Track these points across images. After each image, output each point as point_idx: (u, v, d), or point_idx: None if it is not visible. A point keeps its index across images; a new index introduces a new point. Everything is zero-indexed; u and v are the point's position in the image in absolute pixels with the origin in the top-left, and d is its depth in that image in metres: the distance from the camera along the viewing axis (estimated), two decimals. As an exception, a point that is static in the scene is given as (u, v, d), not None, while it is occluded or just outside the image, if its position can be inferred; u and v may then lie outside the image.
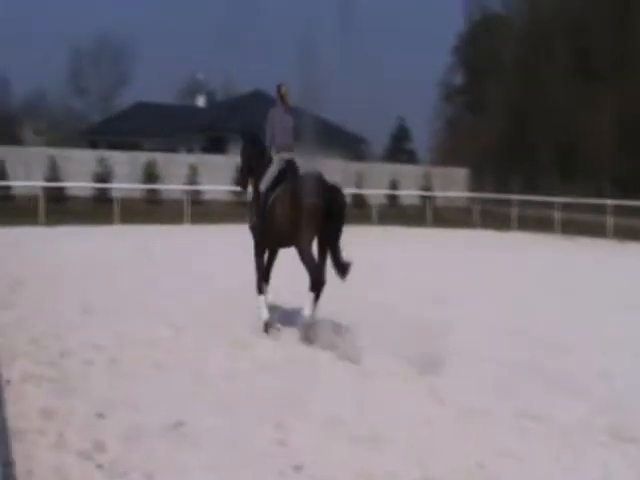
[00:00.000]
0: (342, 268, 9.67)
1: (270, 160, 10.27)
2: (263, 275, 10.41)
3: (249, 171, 10.69)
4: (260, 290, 10.34)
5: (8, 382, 7.30)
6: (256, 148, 10.56)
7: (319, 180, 9.68)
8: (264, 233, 10.13)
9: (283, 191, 9.81)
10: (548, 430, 6.71)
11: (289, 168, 10.15)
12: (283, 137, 10.24)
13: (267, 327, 10.08)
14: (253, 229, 10.37)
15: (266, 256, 10.52)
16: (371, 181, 42.73)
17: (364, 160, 53.99)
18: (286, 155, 10.23)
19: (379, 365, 8.50)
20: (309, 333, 9.47)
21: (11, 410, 6.34)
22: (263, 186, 10.14)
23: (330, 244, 9.69)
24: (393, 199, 42.71)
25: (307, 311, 9.53)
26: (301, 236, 9.48)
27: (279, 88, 10.43)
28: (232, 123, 49.10)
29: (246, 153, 10.74)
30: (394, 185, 43.66)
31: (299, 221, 9.42)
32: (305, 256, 9.52)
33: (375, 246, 24.03)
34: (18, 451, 5.46)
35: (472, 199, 41.42)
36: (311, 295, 9.54)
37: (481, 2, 69.13)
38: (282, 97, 10.42)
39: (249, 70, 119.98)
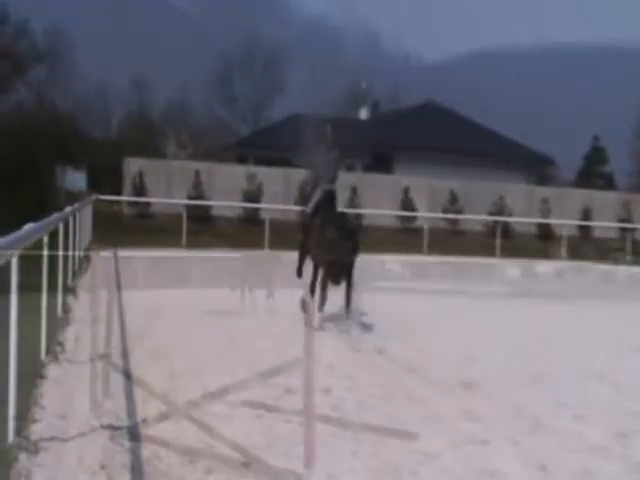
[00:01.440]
0: (348, 301, 13.05)
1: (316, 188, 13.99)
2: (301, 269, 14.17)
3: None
4: (298, 274, 14.14)
5: (144, 421, 7.50)
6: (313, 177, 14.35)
7: (341, 219, 13.56)
8: (304, 249, 13.96)
9: (318, 225, 13.34)
10: None
11: (327, 198, 13.72)
12: (328, 171, 13.84)
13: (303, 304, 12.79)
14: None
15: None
16: (560, 209, 42.03)
17: (552, 184, 53.18)
18: (327, 186, 13.80)
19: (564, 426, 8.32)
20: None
21: (146, 451, 6.53)
22: (307, 209, 14.13)
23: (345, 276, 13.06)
24: (586, 230, 41.81)
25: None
26: (322, 265, 13.25)
27: (325, 130, 14.18)
28: (399, 138, 49.30)
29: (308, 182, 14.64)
30: (587, 214, 42.80)
31: (321, 252, 13.12)
32: (321, 282, 13.18)
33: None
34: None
35: (680, 233, 39.99)
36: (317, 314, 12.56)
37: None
38: (328, 137, 14.10)
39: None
